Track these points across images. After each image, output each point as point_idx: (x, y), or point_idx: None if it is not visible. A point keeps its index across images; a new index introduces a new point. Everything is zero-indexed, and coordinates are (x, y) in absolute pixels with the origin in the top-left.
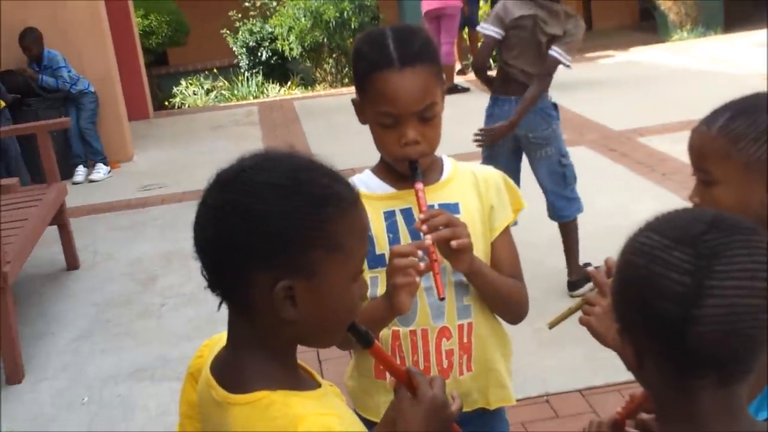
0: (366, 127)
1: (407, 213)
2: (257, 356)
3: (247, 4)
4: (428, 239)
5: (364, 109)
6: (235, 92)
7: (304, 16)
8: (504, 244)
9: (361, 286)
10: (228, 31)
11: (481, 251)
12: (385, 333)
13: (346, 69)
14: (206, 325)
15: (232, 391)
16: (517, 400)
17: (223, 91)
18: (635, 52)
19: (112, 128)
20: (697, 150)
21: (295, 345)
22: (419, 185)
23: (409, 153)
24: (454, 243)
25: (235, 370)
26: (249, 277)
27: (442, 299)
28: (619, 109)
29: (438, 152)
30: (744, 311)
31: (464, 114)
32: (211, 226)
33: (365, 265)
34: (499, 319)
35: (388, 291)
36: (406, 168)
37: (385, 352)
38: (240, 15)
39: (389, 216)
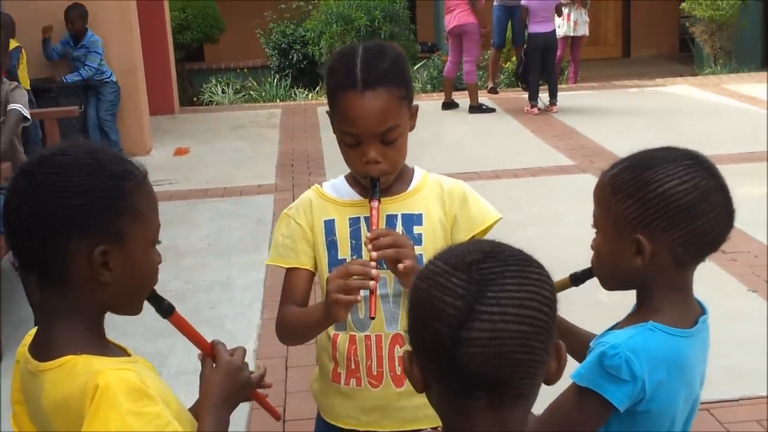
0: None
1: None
2: (66, 326)
3: (282, 6)
4: (373, 255)
5: (333, 123)
6: (263, 93)
7: (336, 22)
8: None
9: (157, 254)
10: (262, 32)
11: None
12: (342, 337)
13: None
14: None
15: (42, 361)
16: None
17: (251, 92)
18: (665, 84)
19: (131, 121)
20: (594, 193)
21: (103, 314)
22: (374, 203)
23: (370, 171)
24: (400, 266)
25: (46, 341)
26: (67, 248)
27: (372, 318)
28: (632, 139)
29: (449, 168)
30: (509, 336)
31: (480, 133)
32: (25, 208)
33: (326, 268)
34: None
35: (327, 302)
36: (369, 183)
37: (186, 322)
38: (275, 16)
39: (354, 222)
